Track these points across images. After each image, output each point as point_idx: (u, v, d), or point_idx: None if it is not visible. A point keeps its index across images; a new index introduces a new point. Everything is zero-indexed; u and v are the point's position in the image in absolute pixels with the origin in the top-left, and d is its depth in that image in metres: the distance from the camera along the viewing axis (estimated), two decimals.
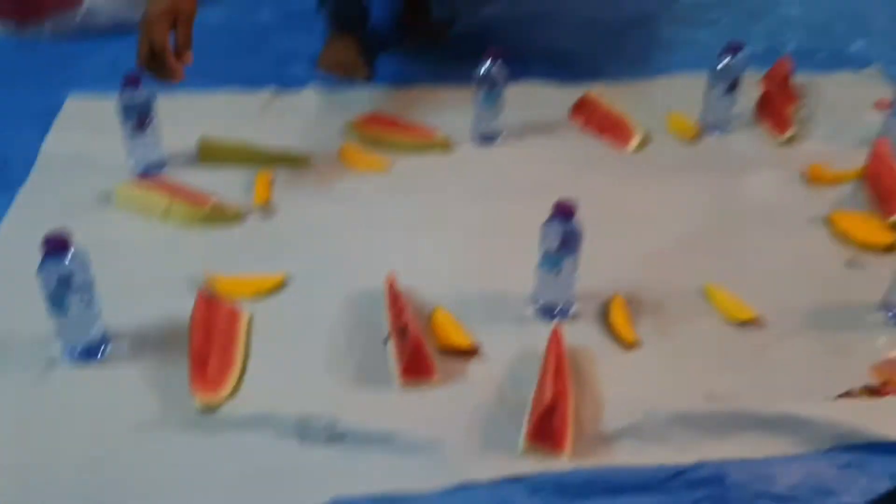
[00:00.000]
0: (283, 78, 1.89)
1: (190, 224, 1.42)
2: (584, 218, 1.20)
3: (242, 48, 2.03)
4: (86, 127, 1.67)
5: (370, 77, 1.91)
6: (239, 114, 1.74)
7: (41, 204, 1.47)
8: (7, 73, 1.89)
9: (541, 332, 1.20)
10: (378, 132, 1.67)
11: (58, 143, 1.63)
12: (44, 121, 1.69)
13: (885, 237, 1.43)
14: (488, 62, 1.62)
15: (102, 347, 1.18)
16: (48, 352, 1.17)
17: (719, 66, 1.69)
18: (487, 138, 1.68)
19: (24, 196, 1.49)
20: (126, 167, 1.55)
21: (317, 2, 1.96)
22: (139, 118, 1.51)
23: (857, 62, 2.04)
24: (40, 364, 1.15)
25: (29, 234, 1.13)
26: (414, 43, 2.09)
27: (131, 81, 1.48)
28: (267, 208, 1.48)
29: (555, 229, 1.18)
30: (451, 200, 1.52)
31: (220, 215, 1.43)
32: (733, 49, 1.66)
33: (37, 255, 1.09)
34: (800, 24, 2.28)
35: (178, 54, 1.36)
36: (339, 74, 1.90)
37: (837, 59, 2.06)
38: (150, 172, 1.56)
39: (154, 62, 1.35)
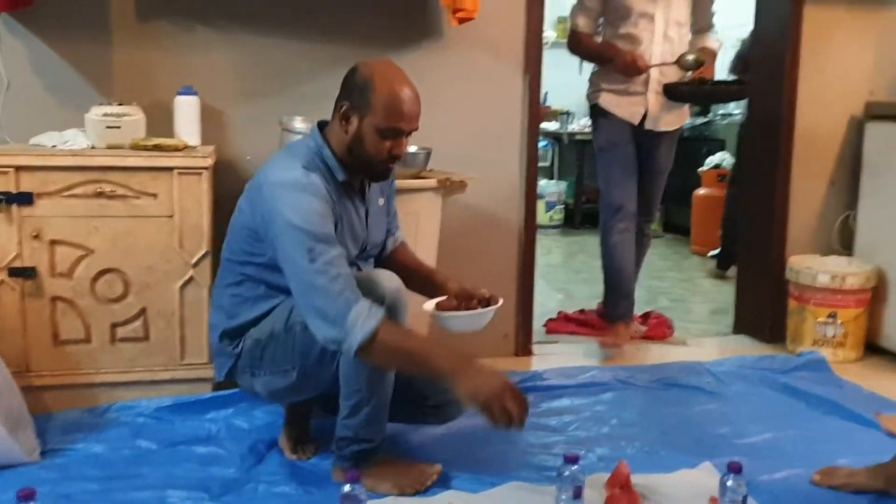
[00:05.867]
0: None
1: None
2: None
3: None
4: None
5: None
6: None
7: None
8: None
9: None
10: None
11: None
12: None
13: None
14: None
15: None
16: None
17: (563, 475, 1.83)
18: None
19: None
20: None
21: None
22: None
23: (692, 461, 2.23)
24: None
25: None
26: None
27: (25, 496, 1.55)
28: None
29: None
30: None
31: None
32: (570, 460, 1.82)
33: None
34: (640, 427, 2.51)
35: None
36: None
37: (674, 459, 2.26)
38: None
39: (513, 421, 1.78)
